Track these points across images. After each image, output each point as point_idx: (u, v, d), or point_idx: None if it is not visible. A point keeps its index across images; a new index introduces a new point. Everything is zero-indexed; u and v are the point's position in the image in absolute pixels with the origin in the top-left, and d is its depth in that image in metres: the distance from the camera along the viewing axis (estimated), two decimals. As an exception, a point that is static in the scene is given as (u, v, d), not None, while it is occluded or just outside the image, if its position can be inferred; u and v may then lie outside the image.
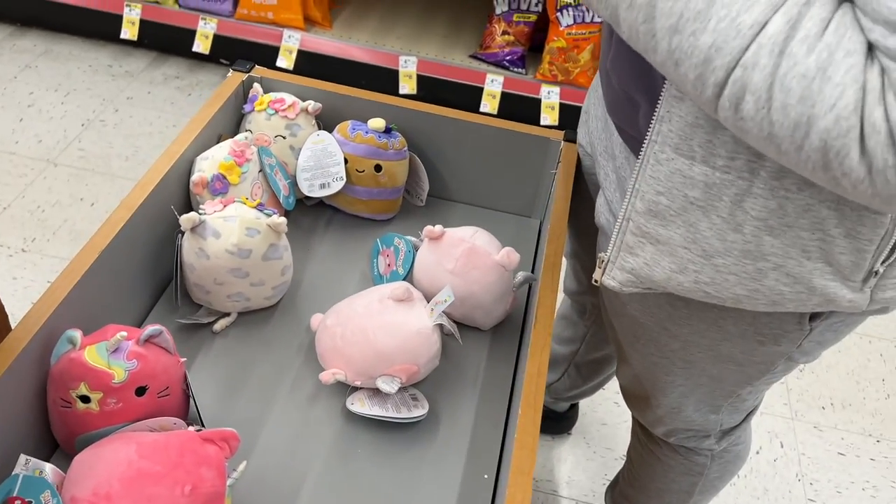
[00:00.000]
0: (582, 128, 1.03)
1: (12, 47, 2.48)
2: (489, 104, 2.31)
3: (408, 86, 2.32)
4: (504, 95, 2.29)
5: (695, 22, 0.52)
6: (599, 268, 0.77)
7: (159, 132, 2.24)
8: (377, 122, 1.04)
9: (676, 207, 0.68)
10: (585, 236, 1.10)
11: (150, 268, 0.91)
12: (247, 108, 1.06)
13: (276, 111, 1.03)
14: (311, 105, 1.05)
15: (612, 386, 1.56)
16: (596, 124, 0.94)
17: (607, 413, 1.68)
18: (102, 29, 2.45)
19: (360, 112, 1.07)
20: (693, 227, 0.68)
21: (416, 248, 0.97)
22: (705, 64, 0.53)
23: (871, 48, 0.49)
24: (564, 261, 1.27)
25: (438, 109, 1.08)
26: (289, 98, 1.05)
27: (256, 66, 1.11)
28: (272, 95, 1.05)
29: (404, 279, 0.96)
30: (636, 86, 0.75)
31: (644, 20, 0.55)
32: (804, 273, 0.67)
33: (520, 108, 2.32)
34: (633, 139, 0.80)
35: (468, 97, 2.32)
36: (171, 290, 0.95)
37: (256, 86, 1.07)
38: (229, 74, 1.08)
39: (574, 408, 1.59)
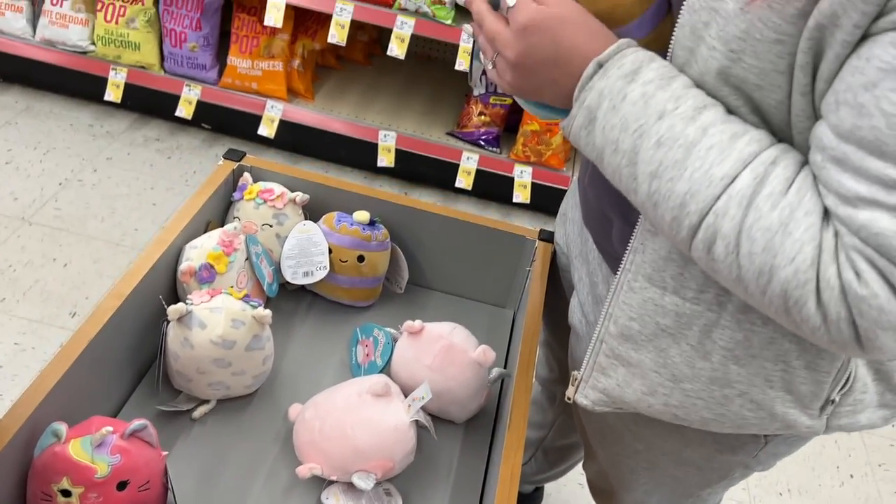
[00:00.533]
0: (559, 228, 1.08)
1: (-7, 103, 2.49)
2: (464, 180, 2.39)
3: (386, 159, 2.39)
4: (479, 172, 2.37)
5: (673, 170, 0.58)
6: (572, 385, 0.81)
7: (137, 194, 2.26)
8: (362, 215, 1.09)
9: (648, 333, 0.73)
10: (559, 329, 1.14)
11: (132, 354, 0.93)
12: (236, 196, 1.09)
13: (265, 201, 1.07)
14: (299, 196, 1.09)
15: (578, 468, 1.58)
16: (572, 228, 1.00)
17: (572, 494, 1.70)
18: (86, 89, 2.49)
19: (346, 204, 1.12)
20: (664, 352, 0.73)
21: (394, 340, 1.00)
22: (681, 208, 0.59)
23: (826, 211, 0.55)
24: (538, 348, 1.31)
25: (421, 204, 1.13)
26: (277, 188, 1.09)
27: (246, 154, 1.15)
28: (261, 185, 1.09)
29: (382, 370, 0.99)
30: (611, 205, 0.81)
31: (627, 164, 0.61)
32: (767, 400, 0.71)
33: (494, 185, 2.39)
34: (606, 251, 0.85)
35: (444, 172, 2.39)
36: (150, 376, 0.96)
37: (246, 175, 1.11)
38: (220, 163, 1.12)
39: (539, 490, 1.61)
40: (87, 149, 2.39)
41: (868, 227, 0.52)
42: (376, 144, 2.38)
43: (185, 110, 2.41)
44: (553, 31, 0.63)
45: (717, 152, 0.57)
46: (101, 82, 2.40)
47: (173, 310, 0.87)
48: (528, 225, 2.41)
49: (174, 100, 2.40)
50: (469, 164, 2.36)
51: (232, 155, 1.13)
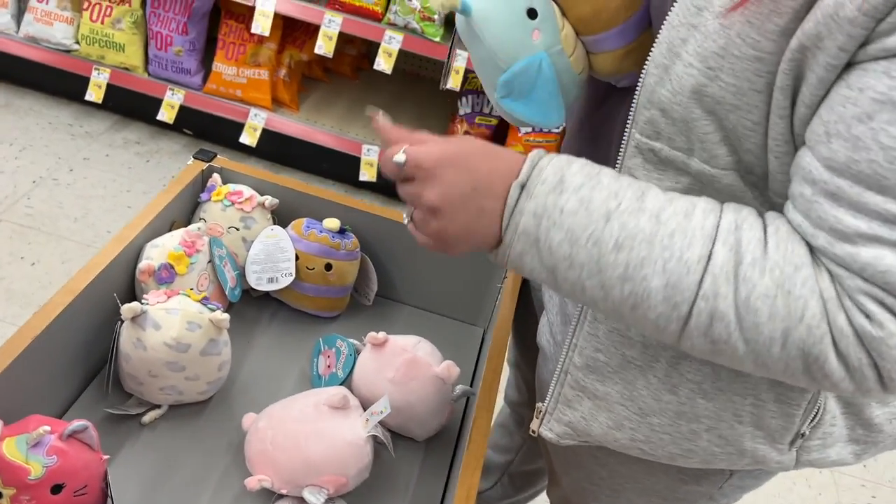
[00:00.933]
0: (531, 246, 1.06)
1: (-28, 97, 2.46)
2: (446, 198, 2.37)
3: (368, 173, 2.37)
4: (461, 192, 2.35)
5: (642, 268, 0.56)
6: (537, 418, 0.78)
7: (112, 196, 2.22)
8: (332, 223, 1.06)
9: (614, 365, 0.70)
10: (528, 351, 1.12)
11: (83, 353, 0.89)
12: (203, 196, 1.07)
13: (233, 203, 1.05)
14: (269, 200, 1.06)
15: (544, 494, 1.55)
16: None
17: (538, 522, 1.67)
18: (68, 88, 2.46)
19: (317, 211, 1.09)
20: (630, 384, 0.70)
21: (357, 352, 0.97)
22: (665, 302, 0.56)
23: (813, 254, 0.53)
24: (507, 368, 1.28)
25: (393, 214, 1.11)
26: (247, 191, 1.06)
27: (217, 155, 1.12)
28: (230, 187, 1.06)
29: (343, 382, 0.96)
30: None
31: (589, 275, 0.58)
32: (735, 436, 0.69)
33: (475, 205, 2.38)
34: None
35: (426, 190, 2.38)
36: (101, 377, 0.92)
37: (216, 176, 1.08)
38: (189, 162, 1.09)
39: (505, 515, 1.57)
40: (65, 148, 2.35)
41: (873, 266, 0.50)
42: (359, 158, 2.36)
43: (167, 114, 2.38)
44: (463, 162, 0.61)
45: (681, 236, 0.56)
46: (84, 82, 2.37)
47: (127, 308, 0.84)
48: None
49: (157, 103, 2.38)
50: (451, 182, 2.34)
51: (202, 155, 1.11)
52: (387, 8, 2.16)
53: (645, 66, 0.61)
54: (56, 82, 2.46)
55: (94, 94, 2.38)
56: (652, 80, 0.60)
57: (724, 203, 0.58)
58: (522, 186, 0.59)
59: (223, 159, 1.12)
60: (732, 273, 0.54)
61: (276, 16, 2.19)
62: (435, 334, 1.05)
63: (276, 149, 2.44)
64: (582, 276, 0.58)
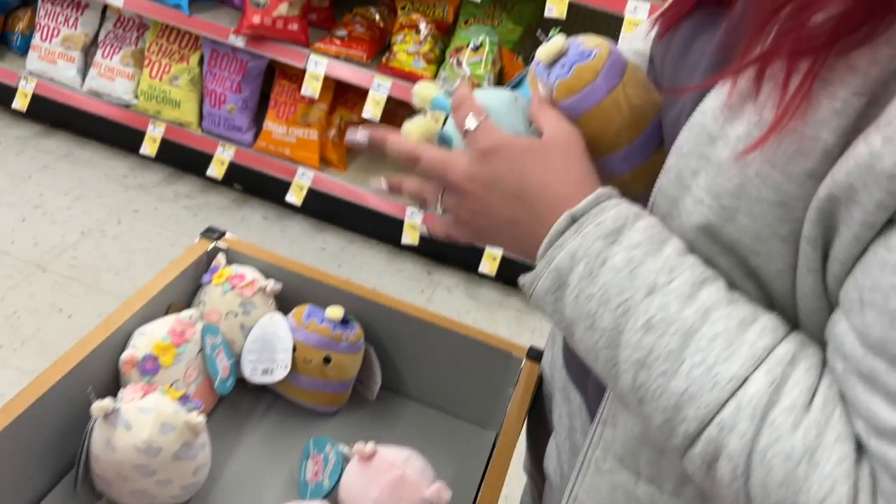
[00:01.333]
0: (547, 351, 0.97)
1: (36, 146, 2.54)
2: (489, 265, 2.30)
3: (410, 236, 2.32)
4: (504, 260, 2.28)
5: (666, 361, 0.47)
6: None
7: (156, 249, 2.24)
8: (335, 312, 1.00)
9: None
10: (541, 459, 1.02)
11: (54, 449, 0.85)
12: (205, 279, 1.02)
13: (234, 287, 1.00)
14: (271, 285, 1.01)
15: None
16: (558, 356, 0.89)
17: None
18: (125, 141, 2.52)
19: (323, 297, 1.03)
20: None
21: (347, 460, 0.90)
22: (675, 410, 0.47)
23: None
24: (523, 475, 1.18)
25: (402, 305, 1.04)
26: (250, 274, 1.01)
27: (227, 233, 1.08)
28: (233, 270, 1.01)
29: (328, 494, 0.88)
30: None
31: (606, 346, 0.50)
32: None
33: (519, 272, 2.29)
34: (588, 396, 0.74)
35: (469, 256, 2.31)
36: (72, 475, 0.87)
37: (220, 256, 1.04)
38: (196, 241, 1.05)
39: None
40: (117, 199, 2.40)
41: None
42: (402, 221, 2.32)
43: (216, 170, 2.40)
44: (519, 162, 0.54)
45: (723, 345, 0.46)
46: (140, 136, 2.43)
47: (98, 407, 0.79)
48: (546, 323, 2.29)
49: (208, 158, 2.40)
50: (496, 249, 2.27)
51: (210, 233, 1.07)
52: (436, 74, 2.13)
53: (653, 195, 0.53)
54: (114, 135, 2.53)
55: (149, 147, 2.43)
56: (661, 210, 0.52)
57: (793, 329, 0.49)
58: (574, 219, 0.52)
59: (232, 239, 1.08)
60: (761, 411, 0.44)
61: (327, 78, 2.19)
62: (441, 436, 0.96)
63: (320, 207, 2.43)
64: (599, 343, 0.50)
